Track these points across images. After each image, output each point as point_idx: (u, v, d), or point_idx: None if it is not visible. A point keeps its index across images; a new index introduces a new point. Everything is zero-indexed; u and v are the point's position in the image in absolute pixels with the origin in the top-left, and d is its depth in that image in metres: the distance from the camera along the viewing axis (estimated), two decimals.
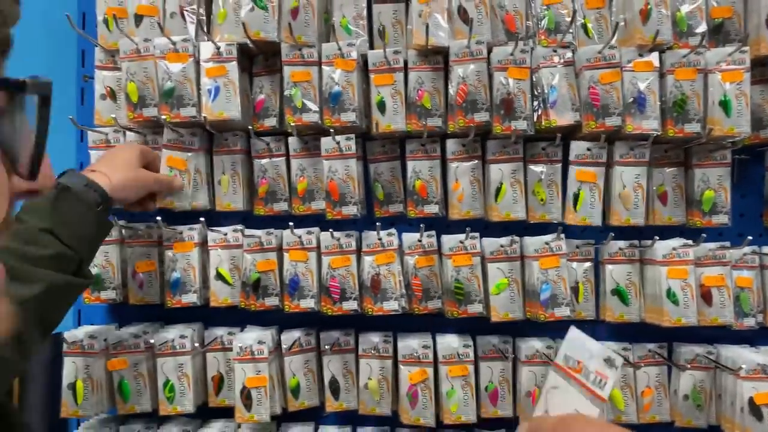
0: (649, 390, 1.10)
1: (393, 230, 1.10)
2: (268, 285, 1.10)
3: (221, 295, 1.12)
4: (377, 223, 1.08)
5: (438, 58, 1.09)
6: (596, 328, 1.12)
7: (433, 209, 1.11)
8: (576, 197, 1.07)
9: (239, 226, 1.12)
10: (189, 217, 1.13)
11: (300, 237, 1.09)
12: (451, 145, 1.11)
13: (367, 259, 1.08)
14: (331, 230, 1.08)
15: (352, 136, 1.07)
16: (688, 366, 1.08)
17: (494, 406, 1.10)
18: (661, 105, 1.04)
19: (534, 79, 1.06)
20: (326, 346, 1.12)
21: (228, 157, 1.14)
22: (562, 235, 1.06)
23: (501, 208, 1.09)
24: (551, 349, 1.09)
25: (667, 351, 1.12)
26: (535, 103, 1.06)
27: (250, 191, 1.16)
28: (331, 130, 1.06)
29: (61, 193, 0.91)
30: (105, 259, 1.13)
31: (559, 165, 1.10)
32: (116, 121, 1.12)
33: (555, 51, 1.06)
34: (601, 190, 1.06)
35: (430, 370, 1.08)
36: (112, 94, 1.16)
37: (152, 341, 1.11)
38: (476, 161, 1.10)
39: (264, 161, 1.14)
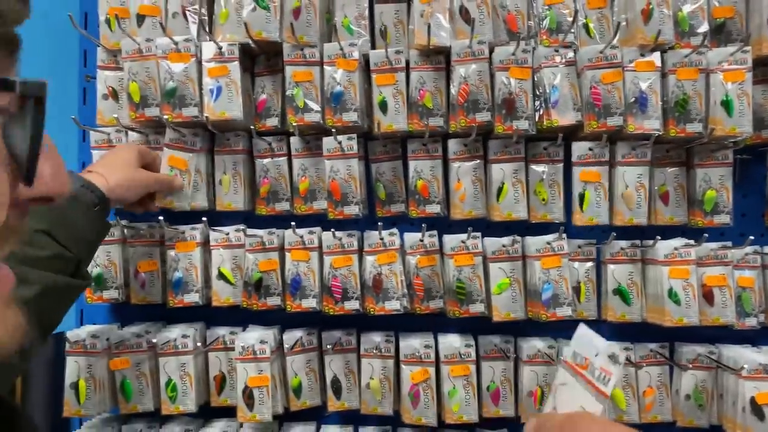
0: (651, 390, 1.10)
1: (395, 230, 1.10)
2: (270, 285, 1.10)
3: (223, 295, 1.12)
4: (379, 223, 1.08)
5: (440, 57, 1.09)
6: (598, 328, 1.10)
7: (434, 209, 1.11)
8: (581, 198, 1.07)
9: (241, 226, 1.12)
10: (191, 216, 1.13)
11: (302, 237, 1.09)
12: (452, 144, 1.11)
13: (369, 259, 1.08)
14: (332, 230, 1.08)
15: (354, 135, 1.07)
16: (690, 366, 1.08)
17: (496, 405, 1.10)
18: (662, 105, 1.04)
19: (536, 79, 1.06)
20: (328, 346, 1.12)
21: (230, 156, 1.14)
22: (564, 235, 1.06)
23: (502, 208, 1.09)
24: (553, 348, 1.09)
25: (669, 351, 1.12)
26: (537, 102, 1.06)
27: (251, 191, 1.16)
28: (333, 130, 1.06)
29: None
30: (107, 259, 1.13)
31: (561, 165, 1.10)
32: (118, 121, 1.12)
33: (557, 51, 1.06)
34: (606, 189, 1.06)
35: (431, 370, 1.09)
36: (114, 94, 1.16)
37: (154, 341, 1.11)
38: (478, 161, 1.10)
39: (266, 161, 1.14)
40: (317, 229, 1.10)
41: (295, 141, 1.13)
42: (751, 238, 1.05)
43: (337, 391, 1.13)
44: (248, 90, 1.13)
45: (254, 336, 1.09)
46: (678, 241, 1.05)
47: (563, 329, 1.11)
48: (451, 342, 1.11)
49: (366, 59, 1.10)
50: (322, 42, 1.09)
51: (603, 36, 1.08)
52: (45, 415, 1.32)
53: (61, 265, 0.88)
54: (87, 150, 1.17)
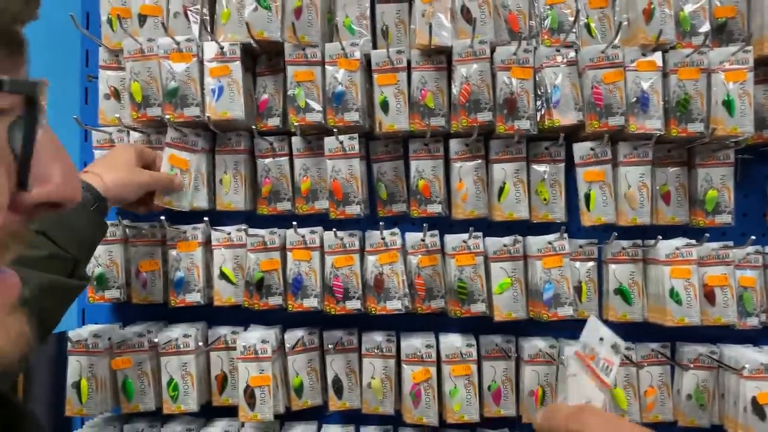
0: (652, 389, 1.10)
1: (396, 230, 1.10)
2: (271, 284, 1.10)
3: (225, 295, 1.12)
4: (380, 223, 1.08)
5: (441, 57, 1.09)
6: None
7: (436, 209, 1.11)
8: (587, 198, 1.07)
9: (243, 226, 1.12)
10: (192, 216, 1.13)
11: (303, 236, 1.09)
12: (454, 144, 1.11)
13: (371, 259, 1.08)
14: (334, 230, 1.08)
15: (356, 135, 1.07)
16: (691, 365, 1.08)
17: (497, 405, 1.11)
18: (664, 105, 1.04)
19: (537, 79, 1.06)
20: (329, 345, 1.12)
21: (231, 156, 1.14)
22: (565, 235, 1.06)
23: (504, 208, 1.09)
24: (554, 348, 1.09)
25: (670, 350, 1.12)
26: (538, 102, 1.06)
27: (253, 191, 1.16)
28: (335, 130, 1.06)
29: None
30: (109, 259, 1.13)
31: (563, 165, 1.10)
32: (120, 121, 1.12)
33: (558, 50, 1.06)
34: (611, 187, 1.06)
35: (433, 370, 1.09)
36: (116, 94, 1.16)
37: (156, 340, 1.11)
38: (479, 161, 1.10)
39: (267, 161, 1.14)
40: (319, 228, 1.11)
41: (296, 141, 1.13)
42: (753, 237, 1.05)
43: (339, 391, 1.13)
44: (250, 90, 1.14)
45: (256, 335, 1.09)
46: (679, 241, 1.06)
47: (564, 329, 1.11)
48: (453, 341, 1.11)
49: (367, 59, 1.10)
50: (324, 42, 1.09)
51: (604, 36, 1.08)
52: (47, 415, 1.33)
53: (58, 266, 0.88)
54: (89, 150, 1.17)
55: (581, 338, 0.57)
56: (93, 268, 1.12)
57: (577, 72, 1.06)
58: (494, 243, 1.09)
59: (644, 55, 1.04)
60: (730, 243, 1.07)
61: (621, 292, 1.09)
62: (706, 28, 1.05)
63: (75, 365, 1.09)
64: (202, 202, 1.12)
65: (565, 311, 1.05)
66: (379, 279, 1.07)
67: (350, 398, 1.13)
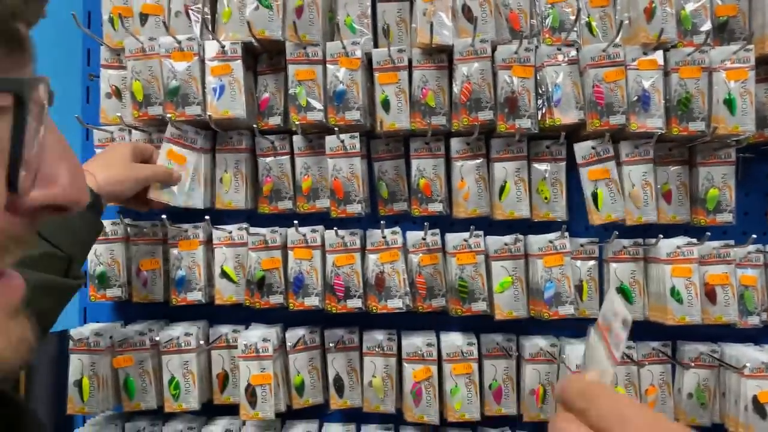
0: (653, 388, 1.10)
1: (397, 228, 1.10)
2: (272, 283, 1.10)
3: (226, 293, 1.13)
4: (381, 222, 1.08)
5: (442, 56, 1.09)
6: None
7: (437, 207, 1.11)
8: (595, 197, 1.06)
9: (244, 225, 1.12)
10: (194, 215, 1.13)
11: (304, 235, 1.09)
12: (455, 143, 1.11)
13: (372, 257, 1.08)
14: (335, 228, 1.08)
15: (357, 134, 1.07)
16: (692, 364, 1.08)
17: (498, 403, 1.11)
18: (665, 103, 1.04)
19: (538, 78, 1.06)
20: (330, 344, 1.12)
21: (232, 155, 1.14)
22: (566, 234, 1.06)
23: (505, 207, 1.09)
24: (555, 347, 1.09)
25: (671, 349, 1.12)
26: (540, 101, 1.06)
27: (254, 189, 1.17)
28: (336, 129, 1.06)
29: None
30: (110, 257, 1.13)
31: (564, 163, 1.11)
32: (121, 120, 1.12)
33: (559, 49, 1.06)
34: (617, 184, 1.06)
35: (434, 368, 1.09)
36: (117, 93, 1.16)
37: (157, 339, 1.11)
38: (481, 159, 1.10)
39: (268, 159, 1.14)
40: (320, 227, 1.11)
41: (297, 139, 1.13)
42: (754, 236, 1.05)
43: (340, 389, 1.13)
44: (251, 88, 1.14)
45: (257, 334, 1.09)
46: (680, 240, 1.05)
47: (565, 328, 1.11)
48: (454, 340, 1.11)
49: (368, 58, 1.10)
50: (325, 40, 1.09)
51: (606, 34, 1.08)
52: (48, 413, 1.33)
53: (52, 265, 0.87)
54: (90, 148, 1.17)
55: (601, 310, 0.58)
56: (94, 266, 1.12)
57: (579, 71, 1.06)
58: (495, 242, 1.09)
59: (645, 53, 1.04)
60: (731, 242, 1.07)
61: (622, 290, 1.09)
62: (707, 26, 1.05)
63: (76, 364, 1.09)
64: (197, 200, 1.11)
65: (566, 310, 1.05)
66: (380, 278, 1.08)
67: (351, 397, 1.13)
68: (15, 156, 0.34)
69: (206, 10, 1.11)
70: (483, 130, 1.08)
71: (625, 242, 1.10)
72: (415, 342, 1.09)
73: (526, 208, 1.09)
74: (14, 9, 0.35)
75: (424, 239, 1.10)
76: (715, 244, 1.07)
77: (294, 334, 1.13)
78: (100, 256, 1.12)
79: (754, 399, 1.00)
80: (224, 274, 1.12)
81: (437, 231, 1.11)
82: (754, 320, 1.07)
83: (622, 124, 1.03)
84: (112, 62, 1.16)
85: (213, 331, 1.17)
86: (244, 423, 1.14)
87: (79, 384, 1.09)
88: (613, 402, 0.49)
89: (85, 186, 0.39)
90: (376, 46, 1.13)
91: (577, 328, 1.12)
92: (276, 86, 1.14)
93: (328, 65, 1.08)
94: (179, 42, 1.08)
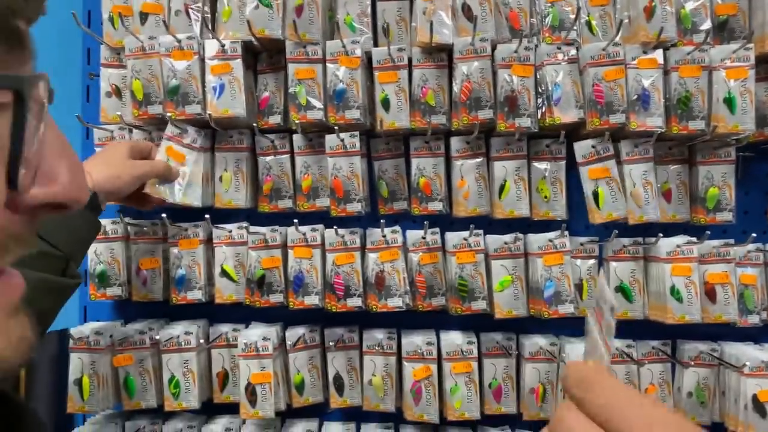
0: (653, 387, 1.10)
1: (397, 227, 1.10)
2: (272, 282, 1.10)
3: (226, 292, 1.13)
4: (381, 221, 1.08)
5: (442, 55, 1.09)
6: None
7: (437, 206, 1.11)
8: (595, 195, 1.06)
9: (244, 223, 1.12)
10: (194, 214, 1.13)
11: (304, 234, 1.10)
12: (455, 142, 1.11)
13: (372, 256, 1.09)
14: (335, 227, 1.08)
15: (357, 133, 1.07)
16: (692, 363, 1.08)
17: (498, 402, 1.11)
18: (665, 102, 1.04)
19: (538, 77, 1.06)
20: (330, 343, 1.12)
21: (232, 154, 1.14)
22: (566, 232, 1.06)
23: (505, 205, 1.09)
24: (555, 346, 1.09)
25: (671, 348, 1.12)
26: (539, 100, 1.06)
27: (254, 188, 1.17)
28: (336, 128, 1.06)
29: None
30: (110, 256, 1.13)
31: (563, 162, 1.11)
32: (122, 119, 1.13)
33: (559, 48, 1.06)
34: (618, 182, 1.06)
35: (433, 367, 1.09)
36: (117, 92, 1.16)
37: (157, 337, 1.11)
38: (480, 158, 1.10)
39: (268, 158, 1.15)
40: (320, 226, 1.11)
41: (297, 138, 1.13)
42: (754, 235, 1.05)
43: (340, 388, 1.13)
44: (251, 87, 1.14)
45: (257, 333, 1.09)
46: (680, 239, 1.05)
47: (565, 326, 1.12)
48: (453, 339, 1.11)
49: (368, 57, 1.10)
50: (325, 39, 1.09)
51: (605, 33, 1.08)
52: (49, 412, 1.33)
53: (49, 264, 0.86)
54: (91, 147, 1.17)
55: (594, 296, 0.58)
56: (94, 265, 1.12)
57: (578, 69, 1.06)
58: (495, 240, 1.09)
59: (645, 52, 1.04)
60: (731, 240, 1.07)
61: (622, 289, 1.09)
62: (707, 25, 1.05)
63: (77, 362, 1.09)
64: (194, 199, 1.11)
65: (566, 309, 1.05)
66: (380, 276, 1.08)
67: (351, 395, 1.13)
68: (15, 153, 0.34)
69: (206, 8, 1.11)
70: (483, 129, 1.08)
71: (625, 241, 1.10)
72: (414, 341, 1.10)
73: (526, 207, 1.09)
74: (14, 6, 0.34)
75: (424, 238, 1.10)
76: (715, 242, 1.07)
77: (294, 333, 1.13)
78: (100, 255, 1.12)
79: (754, 398, 1.00)
80: (224, 273, 1.12)
81: (437, 230, 1.11)
82: (753, 319, 1.07)
83: (622, 123, 1.03)
84: (112, 61, 1.16)
85: (213, 329, 1.17)
86: (244, 422, 1.14)
87: (79, 383, 1.09)
88: (612, 391, 0.48)
89: (86, 184, 0.38)
90: (376, 44, 1.13)
91: (576, 326, 1.12)
92: (276, 85, 1.14)
93: (328, 64, 1.08)
94: (179, 41, 1.08)
